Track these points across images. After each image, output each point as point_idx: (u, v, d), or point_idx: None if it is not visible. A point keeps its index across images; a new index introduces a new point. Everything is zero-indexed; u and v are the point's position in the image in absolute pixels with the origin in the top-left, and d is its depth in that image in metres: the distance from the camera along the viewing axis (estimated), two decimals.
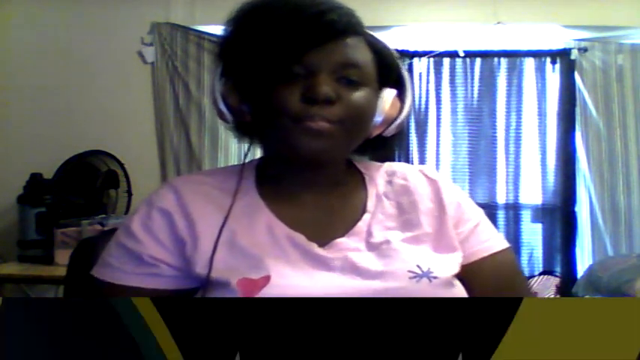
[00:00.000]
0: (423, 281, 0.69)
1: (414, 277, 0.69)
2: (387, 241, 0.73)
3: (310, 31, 0.68)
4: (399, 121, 0.77)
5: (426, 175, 0.82)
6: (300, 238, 0.71)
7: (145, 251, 0.69)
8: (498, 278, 0.77)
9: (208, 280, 0.66)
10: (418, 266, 0.70)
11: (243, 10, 0.73)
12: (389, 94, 0.75)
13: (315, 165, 0.74)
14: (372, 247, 0.73)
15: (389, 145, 0.81)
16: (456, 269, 0.74)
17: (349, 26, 0.71)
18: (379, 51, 0.76)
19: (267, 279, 0.65)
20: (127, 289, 0.68)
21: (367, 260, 0.70)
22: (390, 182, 0.81)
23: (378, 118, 0.74)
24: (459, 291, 0.72)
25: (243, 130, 0.78)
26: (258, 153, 0.81)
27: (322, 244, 0.71)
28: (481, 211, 0.82)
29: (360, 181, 0.81)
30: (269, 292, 0.63)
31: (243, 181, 0.75)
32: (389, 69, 0.77)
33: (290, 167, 0.75)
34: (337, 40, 0.70)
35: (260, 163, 0.79)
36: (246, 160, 0.77)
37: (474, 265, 0.76)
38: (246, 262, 0.67)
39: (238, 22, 0.73)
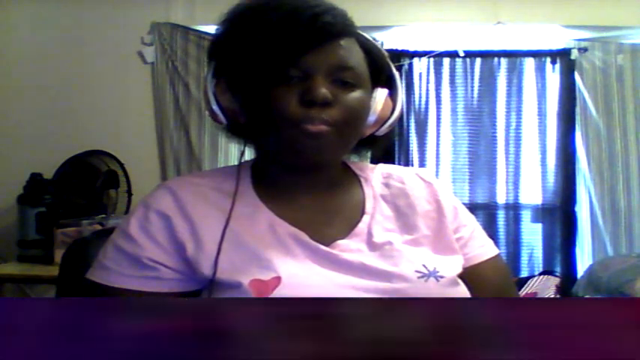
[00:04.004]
0: (431, 280, 0.70)
1: (422, 276, 0.70)
2: (389, 242, 0.73)
3: (307, 34, 0.68)
4: (391, 120, 0.77)
5: (422, 178, 0.83)
6: (304, 235, 0.71)
7: (143, 254, 0.69)
8: (493, 283, 0.79)
9: (215, 281, 0.66)
10: (424, 266, 0.71)
11: (237, 10, 0.73)
12: (381, 94, 0.76)
13: (313, 167, 0.75)
14: (374, 248, 0.73)
15: (381, 144, 0.81)
16: (459, 269, 0.74)
17: (343, 28, 0.71)
18: (370, 51, 0.76)
19: (277, 279, 0.65)
20: (127, 293, 0.68)
21: (373, 261, 0.70)
22: (386, 185, 0.82)
23: (372, 118, 0.75)
24: (464, 290, 0.73)
25: (237, 131, 0.78)
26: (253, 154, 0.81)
27: (324, 245, 0.71)
28: (473, 216, 0.83)
29: (355, 183, 0.81)
30: (281, 292, 0.64)
31: (240, 182, 0.75)
32: (380, 69, 0.78)
33: (287, 169, 0.75)
34: (332, 42, 0.70)
35: (255, 164, 0.79)
36: (241, 161, 0.77)
37: (470, 269, 0.77)
38: (254, 262, 0.67)
39: (233, 22, 0.73)
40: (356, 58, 0.73)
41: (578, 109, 2.73)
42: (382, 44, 2.50)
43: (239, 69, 0.71)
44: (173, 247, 0.69)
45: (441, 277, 0.70)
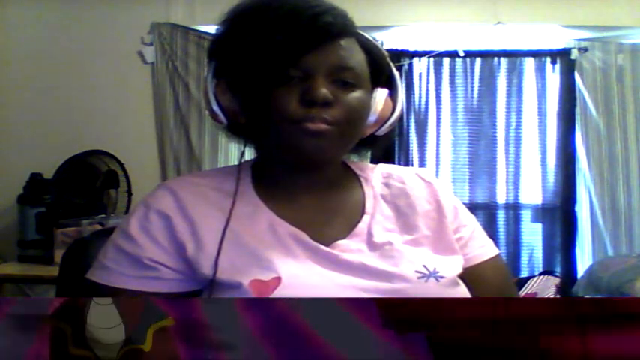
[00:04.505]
0: (431, 281, 0.70)
1: (422, 276, 0.70)
2: (390, 242, 0.73)
3: (307, 34, 0.68)
4: (391, 120, 0.77)
5: (422, 178, 0.83)
6: (304, 235, 0.71)
7: (144, 254, 0.69)
8: (493, 283, 0.79)
9: (215, 281, 0.66)
10: (424, 266, 0.71)
11: (238, 10, 0.73)
12: (381, 94, 0.76)
13: (313, 166, 0.75)
14: (374, 248, 0.73)
15: (382, 144, 0.81)
16: (459, 270, 0.74)
17: (344, 28, 0.72)
18: (371, 51, 0.76)
19: (277, 280, 0.65)
20: (128, 293, 0.68)
21: (374, 261, 0.70)
22: (387, 185, 0.82)
23: (372, 118, 0.75)
24: (464, 290, 0.73)
25: (237, 131, 0.78)
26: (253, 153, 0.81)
27: (324, 245, 0.71)
28: (473, 216, 0.84)
29: (355, 183, 0.81)
30: (281, 292, 0.64)
31: (241, 182, 0.75)
32: (380, 69, 0.78)
33: (287, 169, 0.75)
34: (332, 42, 0.70)
35: (255, 164, 0.79)
36: (242, 161, 0.77)
37: (470, 270, 0.77)
38: (254, 262, 0.67)
39: (233, 22, 0.73)
40: (356, 58, 0.73)
41: (578, 109, 2.73)
42: (382, 44, 2.50)
43: (239, 69, 0.71)
44: (173, 247, 0.69)
45: (441, 277, 0.70)
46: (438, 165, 2.81)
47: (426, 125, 2.81)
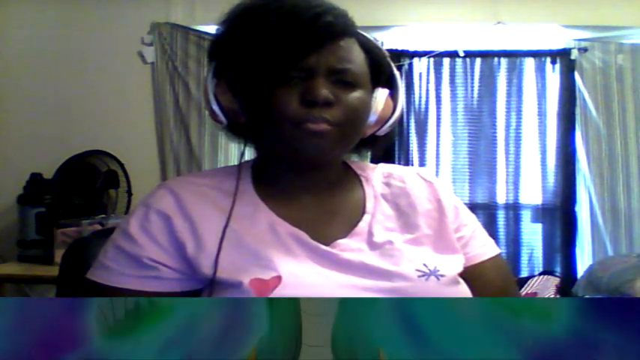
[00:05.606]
0: (431, 279, 0.70)
1: (423, 275, 0.70)
2: (390, 242, 0.73)
3: (308, 35, 0.68)
4: (392, 120, 0.77)
5: (422, 178, 0.83)
6: (304, 235, 0.71)
7: (144, 254, 0.69)
8: (494, 282, 0.79)
9: (215, 280, 0.66)
10: (425, 265, 0.71)
11: (238, 10, 0.73)
12: (382, 94, 0.76)
13: (314, 166, 0.75)
14: (374, 247, 0.73)
15: (382, 144, 0.81)
16: (460, 269, 0.74)
17: (344, 28, 0.72)
18: (371, 51, 0.76)
19: (278, 279, 0.65)
20: (128, 293, 0.68)
21: (374, 260, 0.70)
22: (387, 184, 0.82)
23: (372, 118, 0.75)
24: (465, 289, 0.73)
25: (237, 131, 0.78)
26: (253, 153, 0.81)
27: (324, 244, 0.71)
28: (473, 215, 0.83)
29: (356, 182, 0.81)
30: (282, 292, 0.64)
31: (241, 181, 0.75)
32: (381, 69, 0.78)
33: (287, 169, 0.75)
34: (333, 43, 0.70)
35: (255, 164, 0.79)
36: (242, 161, 0.77)
37: (472, 269, 0.77)
38: (254, 261, 0.67)
39: (233, 23, 0.73)
40: (356, 58, 0.73)
41: (578, 109, 2.73)
42: (382, 44, 2.50)
43: (240, 69, 0.72)
44: (173, 246, 0.69)
45: (442, 276, 0.70)
46: (438, 165, 2.81)
47: (426, 125, 2.81)
